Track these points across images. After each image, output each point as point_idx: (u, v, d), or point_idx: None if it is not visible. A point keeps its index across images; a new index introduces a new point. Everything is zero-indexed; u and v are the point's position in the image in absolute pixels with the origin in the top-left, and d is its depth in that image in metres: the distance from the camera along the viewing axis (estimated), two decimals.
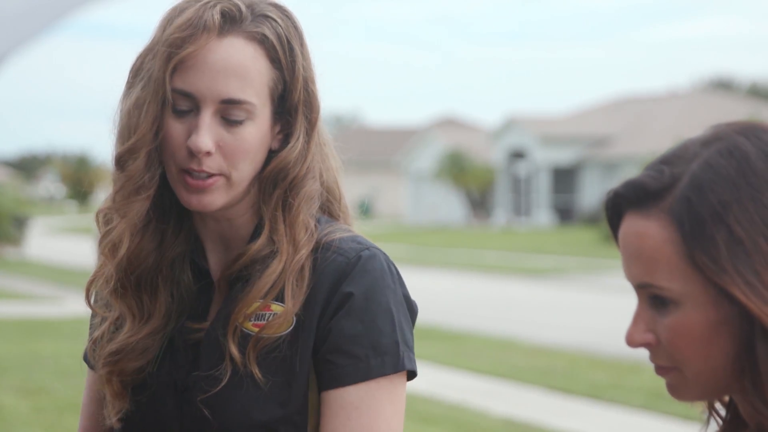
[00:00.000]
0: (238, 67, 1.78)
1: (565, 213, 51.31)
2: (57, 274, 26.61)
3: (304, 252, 1.82)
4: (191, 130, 1.79)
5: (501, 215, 53.26)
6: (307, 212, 1.84)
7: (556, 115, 56.10)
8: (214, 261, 1.88)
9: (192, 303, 1.88)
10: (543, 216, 51.20)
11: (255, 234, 1.85)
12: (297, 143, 1.84)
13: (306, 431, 1.82)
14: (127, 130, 1.81)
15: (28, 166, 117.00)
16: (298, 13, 1.90)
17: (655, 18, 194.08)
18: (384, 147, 70.16)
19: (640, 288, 1.47)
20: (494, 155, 53.99)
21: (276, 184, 1.84)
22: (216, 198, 1.80)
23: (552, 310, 18.99)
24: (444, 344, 14.14)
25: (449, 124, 72.55)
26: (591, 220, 46.47)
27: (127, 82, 1.84)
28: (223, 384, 1.80)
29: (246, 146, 1.80)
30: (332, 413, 1.79)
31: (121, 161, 1.82)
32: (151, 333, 1.86)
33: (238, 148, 1.80)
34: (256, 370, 1.80)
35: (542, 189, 51.24)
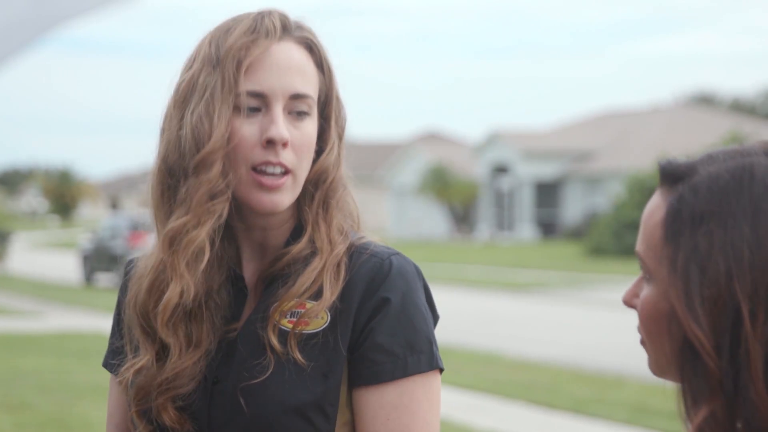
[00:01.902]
0: (300, 65, 1.93)
1: (548, 227, 51.38)
2: (39, 289, 26.53)
3: (341, 249, 1.93)
4: (263, 128, 1.90)
5: (484, 230, 53.31)
6: (340, 215, 1.97)
7: (538, 130, 56.21)
8: (249, 268, 1.97)
9: (226, 307, 1.95)
10: (526, 230, 51.27)
11: (292, 237, 1.95)
12: (334, 148, 1.99)
13: (335, 425, 1.89)
14: (197, 140, 1.89)
15: (10, 181, 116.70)
16: None
17: (637, 33, 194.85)
18: (367, 161, 70.20)
19: (637, 257, 1.52)
20: (477, 170, 54.06)
21: (317, 186, 1.96)
22: (285, 197, 1.91)
23: (535, 325, 19.00)
24: None
25: (432, 138, 72.62)
26: (574, 235, 46.54)
27: (177, 102, 1.93)
28: (269, 372, 1.87)
29: (309, 141, 1.93)
30: (372, 412, 1.89)
31: (197, 168, 1.88)
32: (200, 358, 1.92)
33: (304, 142, 1.92)
34: (298, 356, 1.88)
35: (525, 203, 51.33)
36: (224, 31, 1.93)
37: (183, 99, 1.92)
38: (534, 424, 10.57)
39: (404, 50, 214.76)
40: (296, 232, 1.95)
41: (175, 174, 1.91)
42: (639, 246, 1.51)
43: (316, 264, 1.91)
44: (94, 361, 13.33)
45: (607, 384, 12.51)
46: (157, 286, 1.92)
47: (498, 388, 12.37)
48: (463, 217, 56.16)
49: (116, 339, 2.05)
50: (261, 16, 1.94)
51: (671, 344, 1.45)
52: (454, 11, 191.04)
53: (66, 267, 34.38)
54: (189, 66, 1.95)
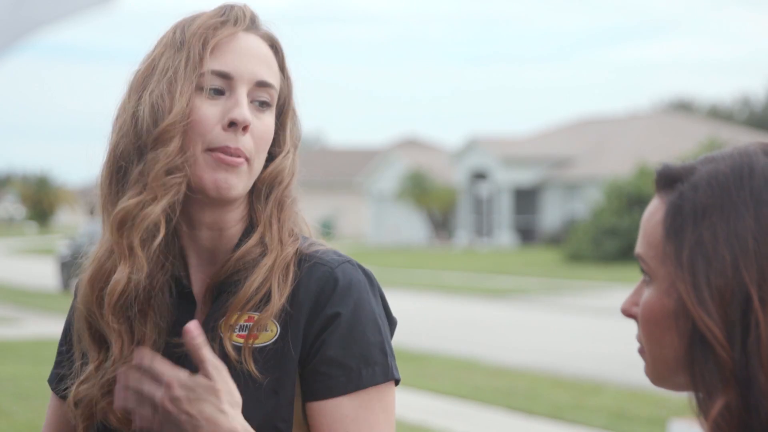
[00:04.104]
0: (266, 56, 1.91)
1: (526, 234, 51.46)
2: (16, 296, 26.42)
3: (290, 250, 1.89)
4: (226, 109, 1.86)
5: (463, 236, 53.36)
6: (291, 218, 1.94)
7: (518, 136, 56.31)
8: (198, 278, 1.92)
9: (175, 320, 1.90)
10: (505, 237, 51.33)
11: (242, 239, 1.90)
12: (290, 154, 1.94)
13: None
14: (155, 116, 1.84)
15: None
16: None
17: (616, 40, 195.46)
18: (346, 168, 70.19)
19: (638, 259, 1.54)
20: (456, 176, 54.12)
21: (272, 188, 1.92)
22: (239, 182, 1.86)
23: (513, 331, 19.02)
24: (406, 365, 14.14)
25: (411, 144, 72.67)
26: (553, 241, 46.61)
27: (133, 87, 1.89)
28: None
29: (268, 134, 1.90)
30: (329, 426, 1.84)
31: (155, 143, 1.83)
32: None
33: (264, 132, 1.89)
34: (253, 369, 1.83)
35: (504, 210, 51.40)
36: (189, 19, 1.91)
37: (140, 83, 1.88)
38: (513, 430, 10.58)
39: (383, 57, 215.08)
40: (247, 234, 1.90)
41: (128, 156, 1.86)
42: (639, 248, 1.53)
43: (265, 262, 1.86)
44: None
45: (585, 390, 12.53)
46: (102, 274, 1.86)
47: (477, 394, 12.37)
48: (442, 224, 56.19)
49: (61, 356, 2.02)
50: (230, 5, 1.92)
51: (679, 341, 1.46)
52: (434, 18, 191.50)
53: (44, 273, 34.25)
54: (152, 51, 1.91)
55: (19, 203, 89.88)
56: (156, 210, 1.82)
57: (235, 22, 1.89)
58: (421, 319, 20.83)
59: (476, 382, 13.21)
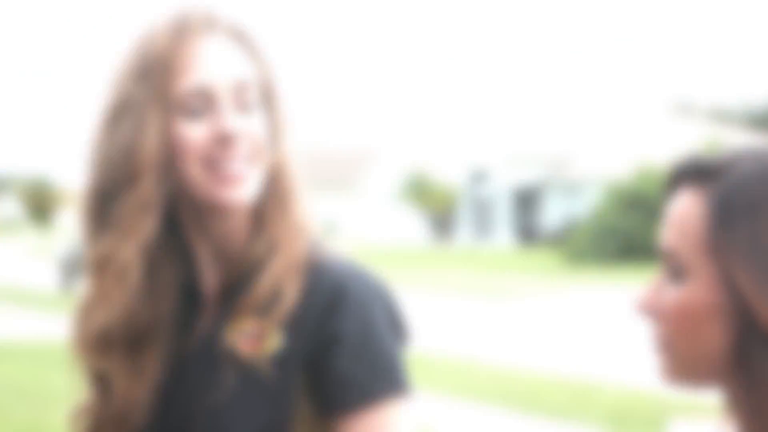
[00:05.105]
0: (232, 54, 1.83)
1: (527, 234, 51.45)
2: (16, 296, 26.40)
3: (300, 250, 1.84)
4: (212, 125, 1.79)
5: (463, 236, 53.33)
6: (299, 211, 1.87)
7: (518, 135, 56.30)
8: (206, 278, 1.88)
9: (182, 321, 1.87)
10: (505, 237, 51.32)
11: (252, 238, 1.85)
12: (284, 141, 1.87)
13: None
14: (127, 156, 1.79)
15: None
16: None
17: (617, 40, 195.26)
18: (345, 167, 70.19)
19: (666, 255, 1.52)
20: (456, 176, 54.11)
21: (272, 179, 1.85)
22: (249, 188, 1.81)
23: (513, 331, 19.01)
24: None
25: (411, 144, 72.63)
26: (554, 241, 46.60)
27: (105, 122, 1.83)
28: (222, 395, 1.80)
29: (261, 133, 1.83)
30: None
31: (129, 182, 1.79)
32: (145, 389, 1.85)
33: (257, 134, 1.82)
34: (253, 380, 1.79)
35: (504, 210, 51.38)
36: (146, 40, 1.83)
37: (110, 119, 1.82)
38: (513, 430, 10.57)
39: (381, 55, 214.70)
40: (255, 233, 1.85)
41: (104, 197, 1.83)
42: (672, 242, 1.51)
43: (275, 262, 1.81)
44: (70, 368, 13.25)
45: (585, 390, 12.53)
46: (83, 316, 1.86)
47: (477, 394, 12.37)
48: (441, 223, 56.17)
49: None
50: (183, 15, 1.83)
51: (723, 337, 1.45)
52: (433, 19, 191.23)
53: (44, 273, 34.23)
54: (114, 83, 1.84)
55: (19, 203, 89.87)
56: (128, 250, 1.79)
57: (193, 32, 1.81)
58: (421, 319, 20.81)
59: (476, 382, 13.20)
